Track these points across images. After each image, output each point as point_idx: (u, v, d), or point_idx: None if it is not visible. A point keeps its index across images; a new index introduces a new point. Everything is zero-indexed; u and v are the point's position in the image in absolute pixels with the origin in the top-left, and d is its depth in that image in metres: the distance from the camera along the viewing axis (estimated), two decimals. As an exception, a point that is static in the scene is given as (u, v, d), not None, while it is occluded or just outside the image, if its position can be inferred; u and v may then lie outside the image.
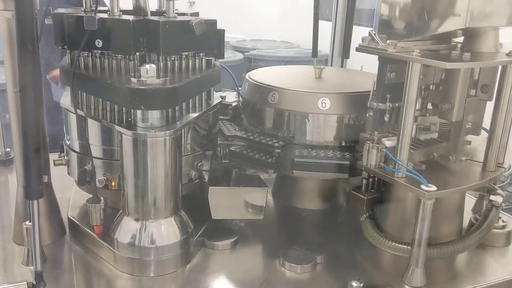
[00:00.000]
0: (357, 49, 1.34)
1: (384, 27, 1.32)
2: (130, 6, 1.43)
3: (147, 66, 1.19)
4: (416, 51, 1.18)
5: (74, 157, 1.40)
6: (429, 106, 1.36)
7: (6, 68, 1.26)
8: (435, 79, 1.34)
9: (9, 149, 1.94)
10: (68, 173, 1.46)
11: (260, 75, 1.64)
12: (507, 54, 1.24)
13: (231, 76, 1.77)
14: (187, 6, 5.77)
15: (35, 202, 1.09)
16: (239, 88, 1.71)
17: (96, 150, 1.35)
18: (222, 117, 1.63)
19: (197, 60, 1.39)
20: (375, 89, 1.36)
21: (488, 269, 1.40)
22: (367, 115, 1.37)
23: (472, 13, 1.17)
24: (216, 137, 1.50)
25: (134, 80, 1.19)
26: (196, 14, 1.54)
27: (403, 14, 1.29)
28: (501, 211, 1.46)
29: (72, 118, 1.36)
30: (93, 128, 1.34)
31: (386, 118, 1.33)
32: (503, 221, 1.48)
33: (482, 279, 1.33)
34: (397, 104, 1.31)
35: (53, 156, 1.42)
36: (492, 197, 1.43)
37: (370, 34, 1.31)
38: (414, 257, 1.25)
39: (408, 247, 1.30)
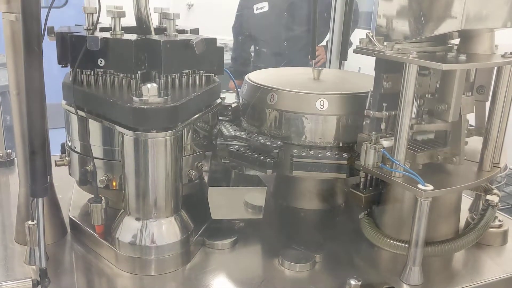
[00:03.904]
0: (355, 51, 1.36)
1: (381, 29, 1.34)
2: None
3: (148, 85, 1.20)
4: (412, 53, 1.20)
5: (75, 157, 1.42)
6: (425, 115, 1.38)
7: (8, 71, 1.28)
8: (430, 88, 1.36)
9: (10, 150, 1.95)
10: (70, 174, 1.47)
11: (259, 76, 1.66)
12: (503, 56, 1.26)
13: (231, 77, 1.79)
14: (186, 9, 5.79)
15: (40, 199, 1.11)
16: (239, 89, 1.73)
17: (97, 150, 1.37)
18: (221, 118, 1.65)
19: (197, 77, 1.40)
20: (371, 98, 1.38)
21: (484, 268, 1.42)
22: (364, 123, 1.39)
23: (468, 16, 1.19)
24: (216, 138, 1.52)
25: (136, 99, 1.20)
26: (195, 31, 1.56)
27: (400, 17, 1.31)
28: (497, 211, 1.47)
29: (73, 119, 1.38)
30: (94, 129, 1.36)
31: (383, 126, 1.35)
32: (499, 221, 1.50)
33: (478, 277, 1.35)
34: (393, 113, 1.33)
35: (54, 157, 1.43)
36: (488, 197, 1.45)
37: (367, 36, 1.33)
38: (412, 255, 1.26)
39: (405, 244, 1.31)
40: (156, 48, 1.29)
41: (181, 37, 1.36)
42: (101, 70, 1.32)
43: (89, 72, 1.33)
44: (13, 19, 1.21)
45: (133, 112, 1.19)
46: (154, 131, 1.22)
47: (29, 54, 1.01)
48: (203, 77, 1.42)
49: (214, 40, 1.40)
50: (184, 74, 1.37)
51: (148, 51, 1.31)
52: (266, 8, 3.70)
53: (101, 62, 1.29)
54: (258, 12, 3.73)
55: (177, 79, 1.36)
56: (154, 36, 1.36)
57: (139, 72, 1.31)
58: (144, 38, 1.33)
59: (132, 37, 1.30)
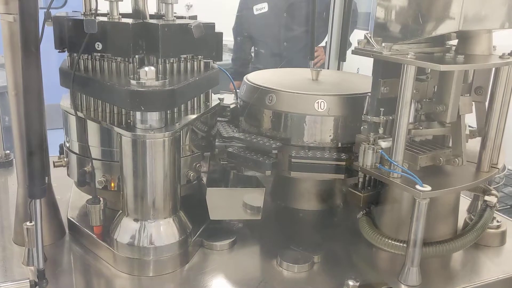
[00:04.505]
0: (353, 52, 1.36)
1: (379, 30, 1.34)
2: (129, 9, 1.45)
3: (146, 68, 1.21)
4: (410, 54, 1.20)
5: (73, 158, 1.42)
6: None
7: (7, 71, 1.28)
8: (428, 94, 1.36)
9: (8, 151, 1.95)
10: (68, 175, 1.47)
11: (258, 77, 1.66)
12: (500, 57, 1.26)
13: (230, 78, 1.79)
14: (185, 10, 5.79)
15: (37, 200, 1.11)
16: (237, 90, 1.73)
17: (95, 151, 1.37)
18: (220, 119, 1.65)
19: (195, 63, 1.40)
20: (369, 103, 1.38)
21: (483, 269, 1.42)
22: (362, 128, 1.39)
23: (466, 16, 1.19)
24: (215, 139, 1.52)
25: (133, 82, 1.20)
26: (194, 18, 1.55)
27: (398, 18, 1.31)
28: (495, 212, 1.47)
29: (72, 120, 1.38)
30: (93, 130, 1.36)
31: (381, 131, 1.35)
32: (497, 221, 1.50)
33: (477, 278, 1.35)
34: (391, 117, 1.33)
35: (53, 158, 1.43)
36: (486, 198, 1.45)
37: (365, 37, 1.33)
38: (410, 256, 1.26)
39: (404, 244, 1.31)
40: (154, 32, 1.28)
41: (179, 21, 1.36)
42: (99, 54, 1.31)
43: (86, 57, 1.32)
44: (11, 20, 1.21)
45: (130, 95, 1.19)
46: (152, 132, 1.22)
47: (27, 55, 1.02)
48: (202, 62, 1.41)
49: (212, 25, 1.40)
50: (182, 59, 1.37)
51: (146, 35, 1.30)
52: (266, 9, 3.71)
53: (99, 46, 1.29)
54: (258, 13, 3.73)
55: (175, 64, 1.36)
56: (152, 20, 1.35)
57: (136, 56, 1.31)
58: (142, 22, 1.32)
59: (130, 20, 1.30)
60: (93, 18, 1.26)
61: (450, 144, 1.39)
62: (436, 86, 1.35)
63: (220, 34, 1.44)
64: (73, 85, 1.30)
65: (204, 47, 1.39)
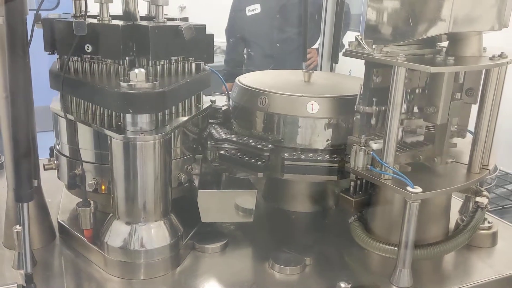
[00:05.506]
0: (344, 54, 1.37)
1: (370, 32, 1.34)
2: (119, 11, 1.44)
3: (136, 70, 1.20)
4: (401, 56, 1.20)
5: (64, 161, 1.41)
6: (415, 109, 1.39)
7: (-4, 74, 1.27)
8: (420, 83, 1.37)
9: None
10: (58, 177, 1.46)
11: (250, 79, 1.66)
12: (490, 58, 1.27)
13: (221, 80, 1.78)
14: (178, 11, 5.79)
15: (25, 204, 1.10)
16: (229, 92, 1.72)
17: (86, 154, 1.36)
18: (212, 121, 1.64)
19: (186, 65, 1.40)
20: (361, 93, 1.38)
21: (474, 270, 1.42)
22: (354, 118, 1.39)
23: (456, 18, 1.20)
24: (206, 141, 1.52)
25: (123, 84, 1.20)
26: (185, 19, 1.55)
27: (389, 20, 1.31)
28: (487, 213, 1.48)
29: (62, 123, 1.37)
30: (83, 133, 1.35)
31: (373, 121, 1.35)
32: (488, 222, 1.50)
33: (469, 279, 1.35)
34: (383, 108, 1.33)
35: (43, 161, 1.42)
36: (477, 199, 1.45)
37: (356, 39, 1.34)
38: (401, 258, 1.26)
39: (396, 248, 1.32)
40: (145, 34, 1.28)
41: (170, 23, 1.35)
42: (89, 56, 1.30)
43: (76, 59, 1.31)
44: (0, 23, 1.20)
45: (120, 97, 1.18)
46: (143, 134, 1.21)
47: (14, 58, 1.01)
48: (193, 64, 1.41)
49: (203, 27, 1.39)
50: (173, 61, 1.36)
51: (136, 37, 1.30)
52: (258, 10, 3.71)
53: (88, 48, 1.28)
54: (251, 14, 3.73)
55: (165, 66, 1.35)
56: (143, 22, 1.35)
57: (127, 59, 1.30)
58: (132, 24, 1.32)
59: (120, 22, 1.29)
60: (82, 20, 1.25)
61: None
62: (428, 77, 1.34)
63: (211, 35, 1.44)
64: (62, 87, 1.29)
65: (195, 49, 1.39)
